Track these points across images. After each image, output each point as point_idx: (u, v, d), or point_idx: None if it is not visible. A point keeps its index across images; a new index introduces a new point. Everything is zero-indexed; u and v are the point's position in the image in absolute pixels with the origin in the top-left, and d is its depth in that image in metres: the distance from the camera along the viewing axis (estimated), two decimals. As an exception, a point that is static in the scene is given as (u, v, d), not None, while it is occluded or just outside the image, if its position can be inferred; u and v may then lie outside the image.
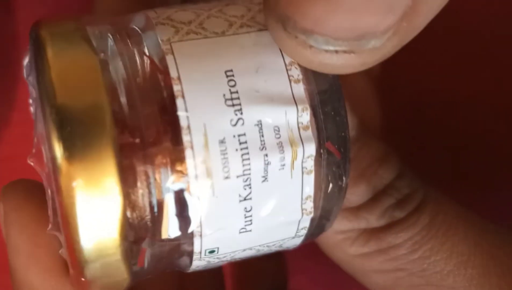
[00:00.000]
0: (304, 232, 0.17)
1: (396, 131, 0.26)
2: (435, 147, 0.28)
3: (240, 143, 0.15)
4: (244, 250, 0.17)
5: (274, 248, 0.17)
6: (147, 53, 0.15)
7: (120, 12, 0.17)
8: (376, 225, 0.20)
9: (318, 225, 0.17)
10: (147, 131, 0.15)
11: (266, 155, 0.15)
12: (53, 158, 0.14)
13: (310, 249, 0.23)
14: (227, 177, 0.15)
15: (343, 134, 0.16)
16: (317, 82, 0.16)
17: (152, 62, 0.15)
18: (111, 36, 0.16)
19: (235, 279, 0.28)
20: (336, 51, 0.14)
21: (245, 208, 0.15)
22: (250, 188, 0.15)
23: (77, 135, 0.14)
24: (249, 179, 0.15)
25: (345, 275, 0.22)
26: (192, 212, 0.15)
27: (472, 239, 0.21)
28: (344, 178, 0.16)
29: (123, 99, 0.15)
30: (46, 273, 0.18)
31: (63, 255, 0.17)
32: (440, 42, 0.27)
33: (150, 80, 0.15)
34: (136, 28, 0.16)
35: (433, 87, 0.28)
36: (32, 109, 0.18)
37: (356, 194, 0.20)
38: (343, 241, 0.21)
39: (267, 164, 0.15)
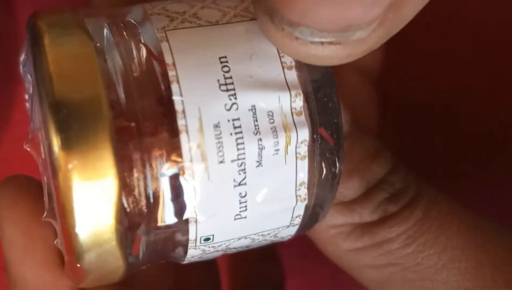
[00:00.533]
0: (298, 220, 0.17)
1: (395, 130, 0.26)
2: (434, 146, 0.28)
3: (235, 128, 0.15)
4: (239, 238, 0.17)
5: (269, 238, 0.17)
6: (143, 41, 0.16)
7: (117, 6, 0.18)
8: (370, 220, 0.20)
9: (313, 213, 0.17)
10: (143, 117, 0.15)
11: (260, 139, 0.15)
12: (49, 141, 0.14)
13: (307, 249, 0.23)
14: (221, 162, 0.15)
15: (335, 120, 0.16)
16: (309, 69, 0.16)
17: (147, 49, 0.15)
18: (107, 27, 0.16)
19: (232, 281, 0.28)
20: (322, 43, 0.15)
21: (240, 193, 0.16)
22: (244, 173, 0.15)
23: (73, 117, 0.14)
24: (243, 164, 0.15)
25: (343, 275, 0.22)
26: (187, 197, 0.15)
27: (466, 233, 0.21)
28: (337, 165, 0.16)
29: (119, 87, 0.15)
30: (41, 266, 0.18)
31: (58, 245, 0.17)
32: (440, 41, 0.28)
33: (146, 70, 0.15)
34: (132, 20, 0.16)
35: (433, 86, 0.28)
36: (28, 105, 0.18)
37: (349, 188, 0.20)
38: (337, 235, 0.21)
39: (261, 148, 0.15)
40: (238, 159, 0.15)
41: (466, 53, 0.28)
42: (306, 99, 0.16)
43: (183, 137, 0.15)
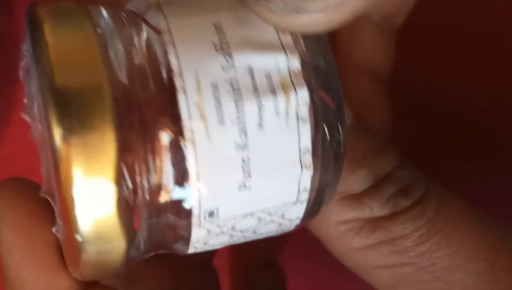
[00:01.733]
0: (306, 196, 0.17)
1: (403, 132, 0.26)
2: (435, 146, 0.28)
3: (233, 88, 0.15)
4: (245, 216, 0.16)
5: (276, 219, 0.17)
6: (137, 13, 0.16)
7: None
8: (381, 214, 0.20)
9: (320, 189, 0.17)
10: (146, 103, 0.15)
11: (259, 99, 0.15)
12: (50, 127, 0.14)
13: (307, 250, 0.22)
14: (221, 121, 0.15)
15: (335, 85, 0.16)
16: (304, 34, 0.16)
17: (143, 20, 0.16)
18: (108, 14, 0.16)
19: (233, 285, 0.27)
20: (297, 12, 0.15)
21: (242, 158, 0.15)
22: (245, 136, 0.15)
23: (75, 103, 0.14)
24: (244, 125, 0.15)
25: (343, 276, 0.22)
26: (188, 162, 0.15)
27: (479, 234, 0.20)
28: (340, 130, 0.16)
29: (121, 73, 0.15)
30: (41, 269, 0.17)
31: (57, 232, 0.16)
32: (441, 41, 0.28)
33: (148, 56, 0.15)
34: (134, 9, 0.17)
35: (433, 86, 0.28)
36: (26, 101, 0.18)
37: (357, 180, 0.20)
38: (346, 232, 0.20)
39: (261, 108, 0.15)
40: (238, 120, 0.15)
41: (467, 53, 0.28)
42: (303, 61, 0.16)
43: (181, 98, 0.15)
